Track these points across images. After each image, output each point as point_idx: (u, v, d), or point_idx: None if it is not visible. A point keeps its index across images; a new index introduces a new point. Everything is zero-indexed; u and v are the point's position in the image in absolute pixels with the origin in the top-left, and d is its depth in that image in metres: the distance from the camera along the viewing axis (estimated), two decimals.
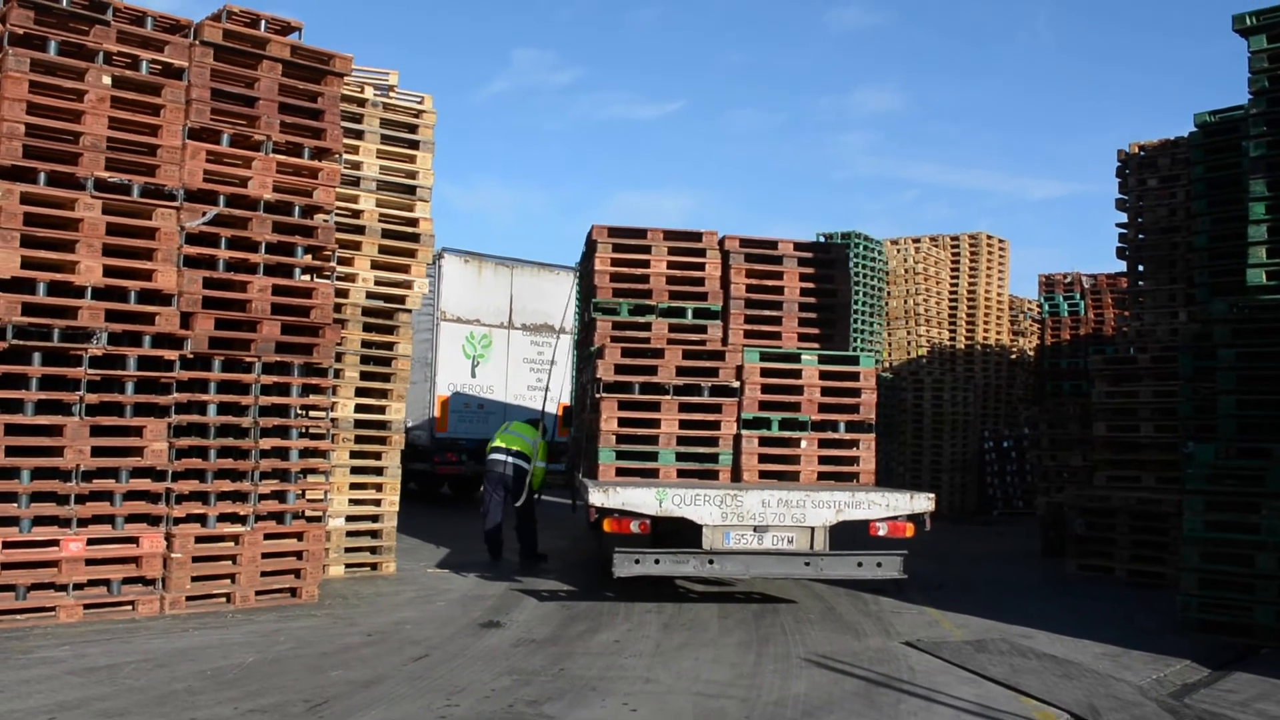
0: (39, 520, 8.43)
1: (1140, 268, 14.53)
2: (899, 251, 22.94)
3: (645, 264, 11.74)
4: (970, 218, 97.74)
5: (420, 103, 11.92)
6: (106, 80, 8.74)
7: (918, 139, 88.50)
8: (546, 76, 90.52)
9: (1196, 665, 8.54)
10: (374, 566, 11.60)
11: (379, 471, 11.67)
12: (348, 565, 11.41)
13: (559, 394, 18.52)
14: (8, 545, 8.23)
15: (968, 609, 10.54)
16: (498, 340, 19.77)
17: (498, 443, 12.98)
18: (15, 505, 8.30)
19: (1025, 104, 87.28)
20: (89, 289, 8.56)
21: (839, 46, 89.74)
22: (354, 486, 11.53)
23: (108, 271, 8.72)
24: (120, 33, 8.86)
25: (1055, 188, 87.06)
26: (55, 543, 8.43)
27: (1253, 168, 10.58)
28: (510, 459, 12.75)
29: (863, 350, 18.59)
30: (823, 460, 11.03)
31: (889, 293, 22.57)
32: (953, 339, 23.51)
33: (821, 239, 20.58)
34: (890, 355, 22.65)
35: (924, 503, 9.91)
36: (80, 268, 8.52)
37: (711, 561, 9.60)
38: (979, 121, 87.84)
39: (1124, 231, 14.64)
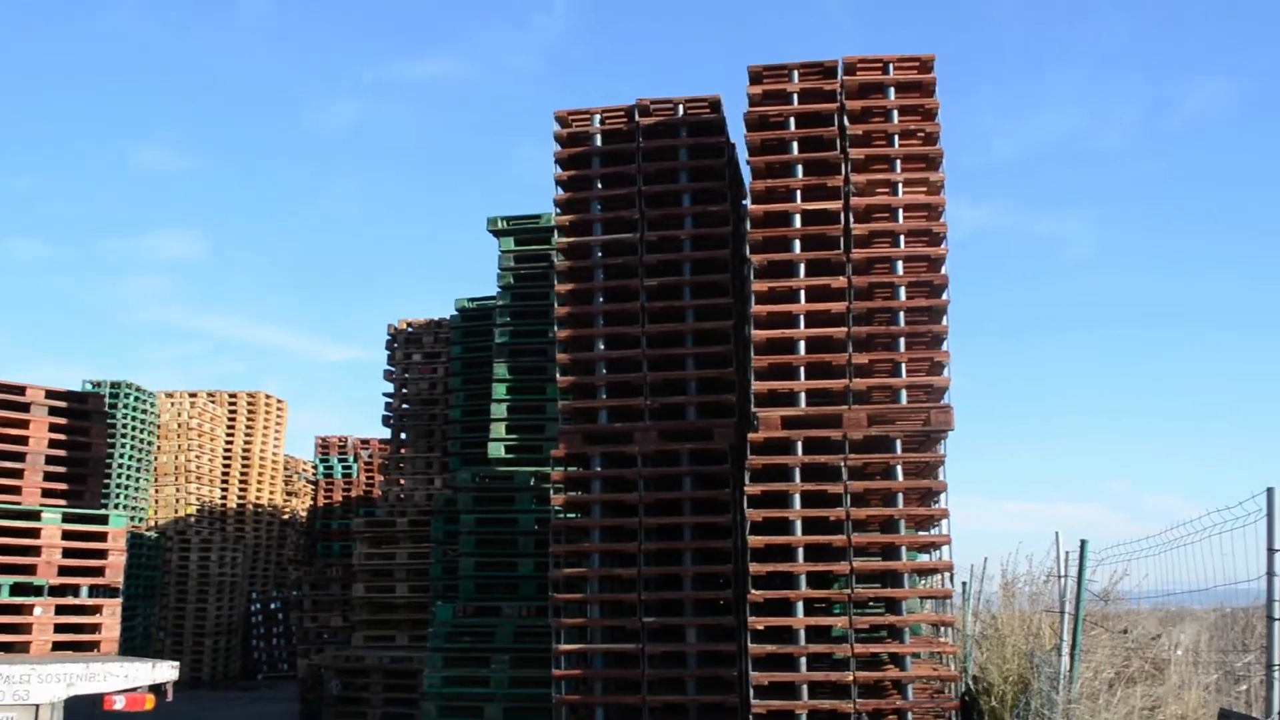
0: None
1: (404, 435, 15.45)
2: (173, 405, 22.14)
3: None
4: (261, 375, 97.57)
5: None
6: None
7: (214, 292, 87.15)
8: None
9: None
10: None
11: None
12: None
13: None
14: None
15: None
16: None
17: None
18: None
19: (323, 268, 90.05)
20: None
21: (140, 187, 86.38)
22: None
23: None
24: None
25: (346, 352, 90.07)
26: None
27: (498, 353, 11.91)
28: None
29: (122, 509, 17.50)
30: (59, 629, 10.10)
31: (160, 448, 21.61)
32: (224, 498, 22.97)
33: (90, 386, 19.29)
34: (157, 513, 21.55)
35: (166, 671, 9.41)
36: None
37: None
38: (277, 281, 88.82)
39: (390, 400, 15.53)
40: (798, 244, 8.66)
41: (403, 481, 15.20)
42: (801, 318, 8.53)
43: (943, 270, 8.57)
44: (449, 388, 13.97)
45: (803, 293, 8.57)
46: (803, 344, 8.51)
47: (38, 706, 8.76)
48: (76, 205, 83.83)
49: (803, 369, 8.49)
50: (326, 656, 14.54)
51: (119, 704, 9.21)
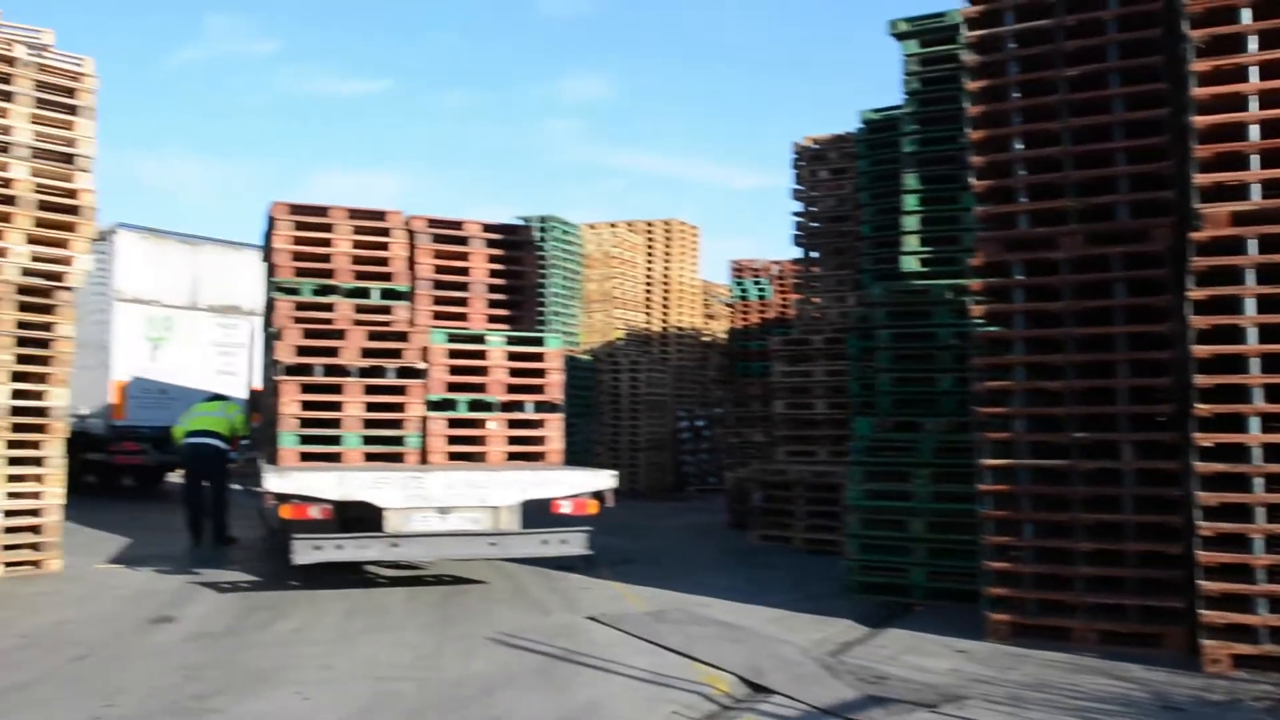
0: None
1: (814, 254, 15.41)
2: (596, 236, 23.36)
3: (328, 243, 11.38)
4: (675, 205, 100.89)
5: (80, 65, 11.02)
6: None
7: (626, 129, 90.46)
8: (243, 45, 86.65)
9: (856, 624, 9.08)
10: (36, 564, 10.72)
11: (39, 462, 10.78)
12: (7, 564, 10.52)
13: (249, 378, 17.80)
14: None
15: (653, 582, 10.83)
16: (181, 322, 18.65)
17: (189, 427, 12.89)
18: None
19: (731, 97, 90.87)
20: None
21: (549, 31, 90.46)
22: (12, 479, 10.60)
23: None
24: None
25: (756, 178, 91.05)
26: None
27: (906, 163, 11.44)
28: (204, 440, 12.75)
29: (557, 332, 18.85)
30: (511, 441, 11.13)
31: (586, 276, 22.94)
32: (648, 322, 24.16)
33: (521, 223, 20.72)
34: (589, 338, 23.03)
35: (606, 480, 10.12)
36: None
37: (395, 545, 9.42)
38: (686, 113, 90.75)
39: (800, 220, 15.49)
40: (1247, 14, 7.53)
41: (816, 300, 15.23)
42: (1254, 99, 7.48)
43: None
44: (857, 203, 13.69)
45: (1255, 70, 7.49)
46: (1255, 129, 7.47)
47: (497, 509, 9.75)
48: (492, 55, 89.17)
49: (1256, 157, 7.49)
50: (751, 470, 15.13)
51: (565, 508, 10.05)
